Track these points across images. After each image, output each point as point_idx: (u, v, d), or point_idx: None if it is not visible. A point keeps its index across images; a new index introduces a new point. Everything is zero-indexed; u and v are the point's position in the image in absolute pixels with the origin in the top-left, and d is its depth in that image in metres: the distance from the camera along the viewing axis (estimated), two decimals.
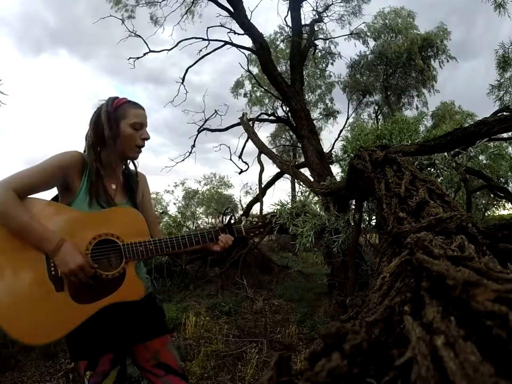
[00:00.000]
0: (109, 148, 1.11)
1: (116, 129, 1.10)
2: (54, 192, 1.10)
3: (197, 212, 12.01)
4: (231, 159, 6.58)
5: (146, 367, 1.16)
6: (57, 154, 1.04)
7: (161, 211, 9.46)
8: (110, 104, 1.12)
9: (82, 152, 1.13)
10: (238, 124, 5.63)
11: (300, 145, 4.93)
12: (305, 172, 3.85)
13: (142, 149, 1.18)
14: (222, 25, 5.86)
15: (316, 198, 2.90)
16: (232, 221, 1.38)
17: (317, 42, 7.75)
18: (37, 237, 0.95)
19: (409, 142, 2.35)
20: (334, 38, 8.82)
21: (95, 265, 1.01)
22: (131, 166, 1.26)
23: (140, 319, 1.15)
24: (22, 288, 0.95)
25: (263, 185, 5.69)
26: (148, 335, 1.17)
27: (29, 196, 0.99)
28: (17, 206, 0.93)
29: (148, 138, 1.16)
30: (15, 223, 0.93)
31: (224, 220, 6.74)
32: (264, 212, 4.42)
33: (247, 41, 8.57)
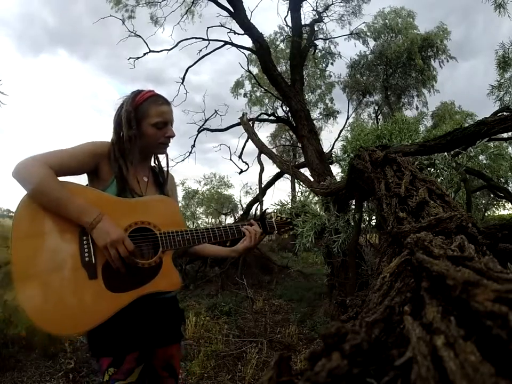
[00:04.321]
0: (133, 145, 1.07)
1: (137, 130, 1.06)
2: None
3: (197, 212, 11.99)
4: (231, 159, 6.57)
5: (156, 367, 1.14)
6: (90, 142, 1.04)
7: None
8: (130, 103, 1.07)
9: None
10: (238, 124, 5.63)
11: (300, 145, 4.92)
12: (305, 172, 3.85)
13: (170, 141, 1.13)
14: (222, 25, 5.85)
15: (316, 198, 2.90)
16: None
17: (317, 42, 7.74)
18: (75, 209, 0.92)
19: (409, 142, 2.35)
20: (334, 38, 8.82)
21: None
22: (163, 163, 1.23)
23: (167, 321, 1.13)
24: (53, 276, 0.90)
25: (263, 185, 5.68)
26: (171, 339, 1.15)
27: (65, 180, 0.98)
28: (56, 180, 0.92)
29: (172, 136, 1.12)
30: (54, 196, 0.90)
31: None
32: None
33: (247, 41, 8.56)
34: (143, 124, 1.07)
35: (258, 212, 4.64)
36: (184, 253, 1.26)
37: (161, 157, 1.23)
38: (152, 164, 1.23)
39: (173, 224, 1.07)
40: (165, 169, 1.23)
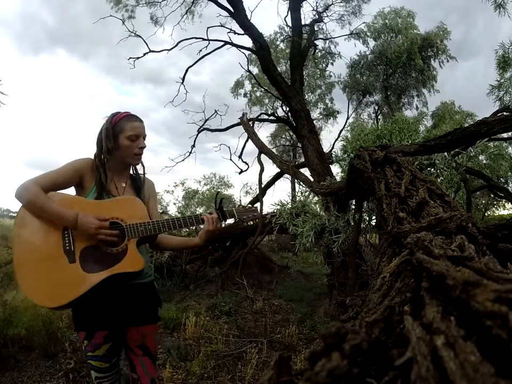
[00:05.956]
0: (112, 156, 1.33)
1: (115, 143, 1.31)
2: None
3: (197, 212, 11.97)
4: (231, 159, 6.57)
5: (131, 346, 1.32)
6: (74, 160, 1.30)
7: (161, 211, 9.44)
8: (109, 122, 1.32)
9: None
10: (238, 124, 5.63)
11: (300, 145, 4.92)
12: (305, 172, 3.86)
13: (142, 151, 1.37)
14: (222, 25, 5.85)
15: (316, 198, 2.90)
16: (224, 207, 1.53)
17: (317, 42, 7.75)
18: (58, 216, 1.19)
19: (409, 142, 2.35)
20: (334, 38, 8.81)
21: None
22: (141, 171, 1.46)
23: (139, 304, 1.31)
24: (42, 261, 1.18)
25: (263, 185, 5.68)
26: (143, 319, 1.33)
27: (51, 191, 1.23)
28: (44, 197, 1.19)
29: (143, 147, 1.36)
30: (44, 210, 1.19)
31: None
32: (264, 212, 4.41)
33: (247, 41, 8.57)
34: (119, 137, 1.31)
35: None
36: (154, 245, 1.45)
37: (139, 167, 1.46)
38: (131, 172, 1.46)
39: (137, 217, 1.29)
40: (142, 176, 1.47)
